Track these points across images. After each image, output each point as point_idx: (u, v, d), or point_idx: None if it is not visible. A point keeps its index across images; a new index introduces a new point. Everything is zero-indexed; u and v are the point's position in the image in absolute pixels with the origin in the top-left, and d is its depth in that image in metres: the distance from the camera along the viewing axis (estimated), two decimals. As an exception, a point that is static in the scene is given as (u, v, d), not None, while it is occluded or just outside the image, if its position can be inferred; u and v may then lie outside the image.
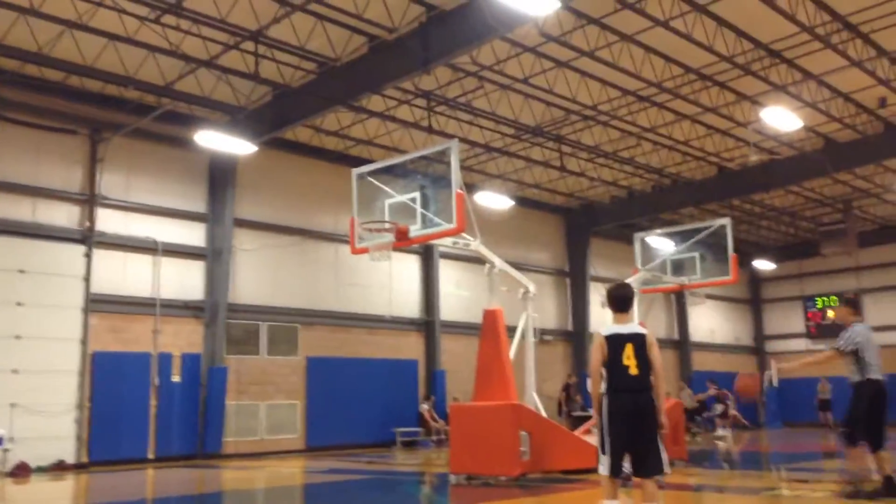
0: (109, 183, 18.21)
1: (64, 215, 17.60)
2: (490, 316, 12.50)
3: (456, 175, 11.58)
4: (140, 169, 18.83)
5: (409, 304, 23.96)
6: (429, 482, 13.62)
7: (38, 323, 16.59)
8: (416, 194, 12.42)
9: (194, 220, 19.70)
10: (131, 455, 17.47)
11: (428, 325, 24.18)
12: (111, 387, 17.49)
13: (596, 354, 6.07)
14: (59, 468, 16.24)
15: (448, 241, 12.51)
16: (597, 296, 19.20)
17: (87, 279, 17.52)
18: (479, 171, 23.71)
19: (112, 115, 17.95)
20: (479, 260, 13.31)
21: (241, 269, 20.23)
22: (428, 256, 24.30)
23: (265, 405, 20.23)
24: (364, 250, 12.69)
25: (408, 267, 23.99)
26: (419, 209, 12.23)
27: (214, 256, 19.65)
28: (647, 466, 5.93)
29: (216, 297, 19.41)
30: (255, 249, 20.36)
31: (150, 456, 17.89)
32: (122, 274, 18.24)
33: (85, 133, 18.02)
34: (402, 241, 12.31)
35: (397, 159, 13.61)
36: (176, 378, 18.68)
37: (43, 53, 15.27)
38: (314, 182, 21.60)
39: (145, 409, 18.02)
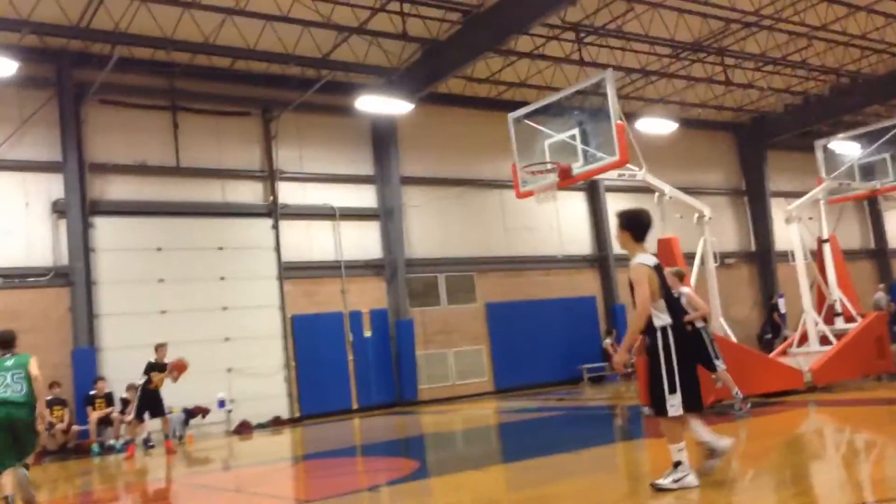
0: (285, 157, 19.36)
1: (250, 192, 18.95)
2: (665, 245, 12.26)
3: (614, 105, 11.37)
4: (310, 140, 19.84)
5: (579, 241, 23.87)
6: (621, 415, 13.72)
7: (241, 294, 18.08)
8: (575, 131, 12.30)
9: (365, 182, 20.58)
10: (337, 407, 18.81)
11: (601, 260, 24.01)
12: (311, 346, 18.84)
13: (647, 287, 5.58)
14: (276, 424, 17.79)
15: (613, 173, 12.33)
16: (780, 212, 18.24)
17: (277, 249, 18.86)
18: (637, 98, 23.00)
19: (278, 92, 18.96)
20: (647, 189, 13.04)
21: (413, 224, 20.95)
22: (594, 192, 24.01)
23: (452, 352, 21.02)
24: (529, 193, 12.79)
25: (575, 204, 23.85)
26: (580, 145, 12.12)
27: (387, 215, 20.48)
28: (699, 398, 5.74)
29: (394, 254, 20.29)
30: (423, 204, 20.99)
31: (354, 407, 19.19)
32: (307, 241, 19.46)
33: (257, 113, 19.21)
34: (566, 180, 12.28)
35: (552, 98, 13.49)
36: (367, 333, 19.82)
37: (209, 43, 16.37)
38: (472, 131, 21.84)
39: (344, 364, 19.29)
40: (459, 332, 21.28)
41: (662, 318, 5.62)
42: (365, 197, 20.55)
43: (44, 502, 9.59)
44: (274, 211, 18.97)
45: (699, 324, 10.18)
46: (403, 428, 15.30)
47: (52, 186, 16.44)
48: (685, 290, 10.50)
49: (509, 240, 22.43)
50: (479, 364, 21.37)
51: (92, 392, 15.39)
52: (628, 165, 11.95)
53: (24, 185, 16.29)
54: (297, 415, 18.37)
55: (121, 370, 15.93)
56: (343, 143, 20.38)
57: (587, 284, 23.67)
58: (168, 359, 14.24)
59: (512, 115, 13.19)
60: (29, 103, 16.29)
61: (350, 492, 7.85)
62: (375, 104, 18.13)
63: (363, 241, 20.28)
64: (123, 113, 17.46)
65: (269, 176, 19.11)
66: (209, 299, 17.62)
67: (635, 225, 5.79)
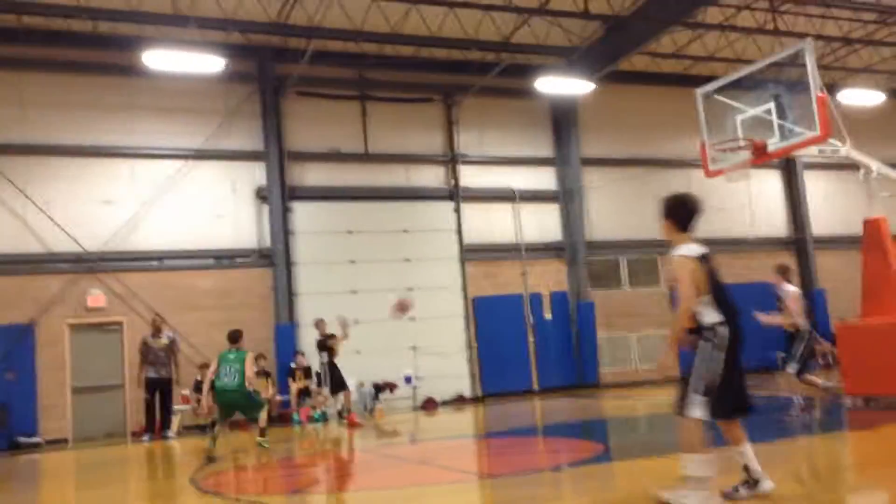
0: (466, 141, 19.72)
1: (432, 176, 19.49)
2: (872, 226, 11.35)
3: (814, 77, 10.64)
4: (490, 124, 20.07)
5: (774, 222, 22.57)
6: (821, 405, 12.89)
7: (425, 275, 18.67)
8: (770, 105, 11.63)
9: (544, 164, 20.55)
10: (518, 388, 19.02)
11: (799, 242, 22.57)
12: (492, 327, 19.15)
13: (689, 281, 5.00)
14: (459, 401, 18.28)
15: (813, 149, 11.56)
16: None
17: (459, 232, 19.29)
18: (839, 68, 21.31)
19: (460, 78, 19.30)
20: (851, 166, 12.10)
21: (593, 206, 20.68)
22: (790, 169, 22.59)
23: (635, 336, 20.61)
24: (719, 172, 12.26)
25: (769, 183, 22.57)
26: (775, 120, 11.45)
27: (567, 197, 20.35)
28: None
29: (574, 236, 20.15)
30: (604, 186, 20.65)
31: (535, 388, 19.32)
32: (488, 223, 19.75)
33: (439, 99, 19.68)
34: (761, 157, 11.65)
35: (744, 71, 12.78)
36: (548, 315, 19.85)
37: (395, 33, 16.94)
38: (656, 110, 21.17)
39: (524, 345, 19.45)
40: (643, 316, 20.80)
41: (711, 316, 5.09)
42: (544, 179, 20.52)
43: (250, 466, 10.45)
44: (455, 194, 19.40)
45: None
46: (585, 410, 15.22)
47: (256, 174, 17.73)
48: (788, 288, 10.02)
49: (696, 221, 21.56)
50: (663, 349, 20.76)
51: (292, 365, 16.51)
52: (830, 140, 11.16)
53: (231, 173, 17.68)
54: (479, 393, 18.76)
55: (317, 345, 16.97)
56: (523, 126, 20.44)
57: (781, 268, 22.30)
58: (329, 330, 15.28)
59: (700, 91, 12.67)
60: (234, 97, 17.64)
61: (533, 470, 7.95)
62: (555, 85, 18.02)
63: (543, 224, 20.29)
64: (318, 103, 18.49)
65: (451, 160, 19.55)
66: (396, 280, 18.31)
67: (680, 212, 5.28)
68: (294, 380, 16.35)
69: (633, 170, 20.83)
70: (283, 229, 17.56)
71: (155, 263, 16.69)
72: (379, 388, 17.15)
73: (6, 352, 15.04)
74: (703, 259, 5.11)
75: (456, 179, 19.47)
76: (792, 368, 10.19)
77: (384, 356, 17.63)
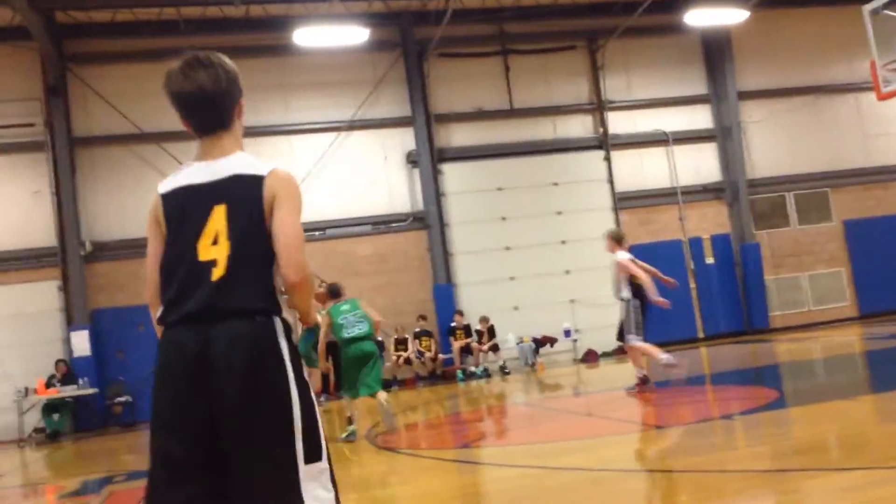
0: (612, 87, 19.18)
1: (580, 126, 19.14)
2: None
3: None
4: (637, 66, 19.38)
5: (960, 143, 20.54)
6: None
7: (578, 227, 18.45)
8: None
9: (697, 103, 19.66)
10: (683, 336, 18.50)
11: None
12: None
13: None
14: (621, 352, 18.06)
15: None
16: None
17: (610, 181, 18.89)
18: None
19: (603, 21, 18.70)
20: None
21: (754, 141, 19.61)
22: (978, 82, 20.37)
23: (806, 276, 19.52)
24: (893, 94, 11.29)
25: (953, 100, 20.49)
26: (959, 30, 10.36)
27: (724, 135, 19.40)
28: None
29: (734, 175, 19.23)
30: (764, 119, 19.50)
31: (700, 336, 18.77)
32: (640, 170, 19.20)
33: (583, 45, 19.21)
34: (942, 73, 10.60)
35: (919, -21, 11.64)
36: (710, 260, 19.15)
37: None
38: (819, 32, 19.66)
39: (686, 292, 18.84)
40: (814, 255, 19.65)
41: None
42: (699, 118, 19.65)
43: (420, 421, 10.86)
44: (605, 142, 18.97)
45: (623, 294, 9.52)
46: (756, 356, 14.66)
47: (405, 139, 18.10)
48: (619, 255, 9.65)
49: (869, 149, 20.01)
50: (839, 288, 19.58)
51: (453, 324, 16.91)
52: None
53: (382, 140, 18.14)
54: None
55: (475, 303, 17.30)
56: (672, 64, 19.61)
57: (972, 193, 20.34)
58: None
59: (868, 7, 11.68)
60: (380, 65, 18.02)
61: (703, 419, 7.78)
62: (707, 16, 17.15)
63: (700, 165, 19.48)
64: (460, 64, 18.55)
65: (598, 107, 19.10)
66: (548, 234, 18.24)
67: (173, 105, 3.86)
68: (455, 338, 16.75)
69: (796, 100, 19.53)
70: (434, 191, 17.87)
71: (318, 233, 17.48)
72: (539, 343, 17.26)
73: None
74: None
75: (605, 127, 19.03)
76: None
77: (542, 310, 17.68)
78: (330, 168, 17.70)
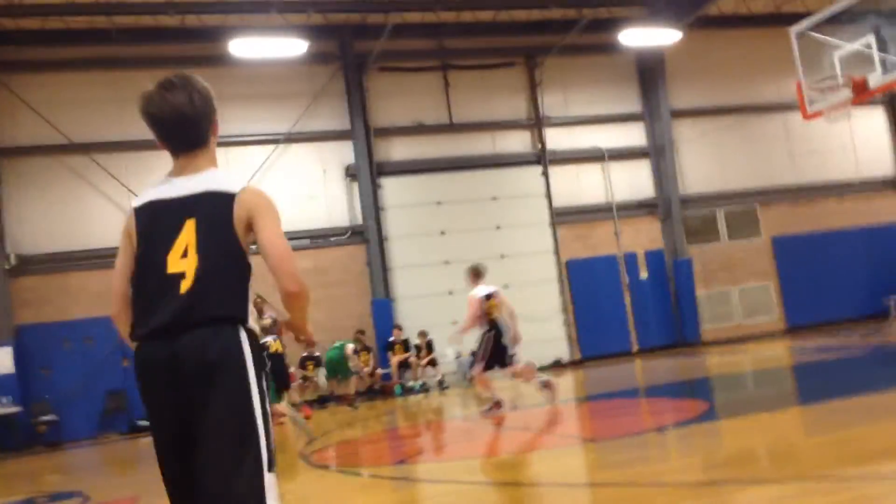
0: (550, 103, 19.42)
1: (518, 141, 19.33)
2: None
3: (919, 4, 9.97)
4: (574, 83, 19.69)
5: (879, 161, 21.43)
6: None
7: (516, 241, 18.60)
8: (871, 38, 10.99)
9: (632, 120, 20.06)
10: (617, 349, 18.83)
11: (908, 181, 21.36)
12: (587, 290, 18.97)
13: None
14: (557, 366, 18.24)
15: (920, 82, 10.86)
16: None
17: (548, 196, 19.11)
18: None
19: (541, 39, 18.94)
20: (965, 96, 11.32)
21: (686, 159, 20.10)
22: (896, 105, 21.32)
23: (736, 290, 20.04)
24: (818, 114, 11.72)
25: (872, 121, 21.38)
26: (876, 54, 10.82)
27: (657, 153, 19.84)
28: None
29: (667, 192, 19.66)
30: (696, 138, 20.02)
31: (634, 349, 19.08)
32: (577, 185, 19.47)
33: (521, 62, 19.42)
34: (862, 94, 11.07)
35: (840, 4, 12.11)
36: (644, 275, 19.50)
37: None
38: (748, 54, 20.29)
39: (621, 306, 19.20)
40: (743, 269, 20.19)
41: None
42: (633, 135, 20.05)
43: (357, 437, 10.75)
44: (543, 158, 19.19)
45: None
46: (687, 369, 14.96)
47: (344, 152, 17.98)
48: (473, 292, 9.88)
49: (796, 167, 20.72)
50: (768, 301, 20.17)
51: (391, 339, 16.82)
52: (939, 71, 10.47)
53: (320, 154, 17.99)
54: (578, 357, 18.67)
55: (414, 318, 17.25)
56: (608, 82, 19.98)
57: (890, 209, 21.21)
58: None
59: (794, 29, 12.11)
60: (318, 78, 17.88)
61: (638, 432, 7.88)
62: (641, 37, 17.51)
63: (634, 181, 19.86)
64: (400, 78, 18.55)
65: (536, 123, 19.32)
66: (487, 248, 18.29)
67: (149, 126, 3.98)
68: (394, 353, 16.66)
69: (727, 119, 20.10)
70: (373, 205, 17.79)
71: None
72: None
73: (120, 340, 15.83)
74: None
75: (542, 143, 19.25)
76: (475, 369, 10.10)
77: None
78: (267, 181, 17.40)
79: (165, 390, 2.45)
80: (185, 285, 2.48)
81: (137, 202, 2.70)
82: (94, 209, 16.25)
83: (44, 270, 15.70)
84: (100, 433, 15.13)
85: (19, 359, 15.02)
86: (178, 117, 2.65)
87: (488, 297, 9.90)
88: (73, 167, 16.17)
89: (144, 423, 15.10)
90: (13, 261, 15.47)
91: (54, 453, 13.64)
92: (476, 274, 10.13)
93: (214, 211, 2.58)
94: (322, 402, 15.81)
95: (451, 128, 18.77)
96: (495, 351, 9.81)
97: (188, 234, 2.54)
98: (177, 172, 2.70)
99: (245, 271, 2.64)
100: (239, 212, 2.58)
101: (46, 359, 15.24)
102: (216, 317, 2.48)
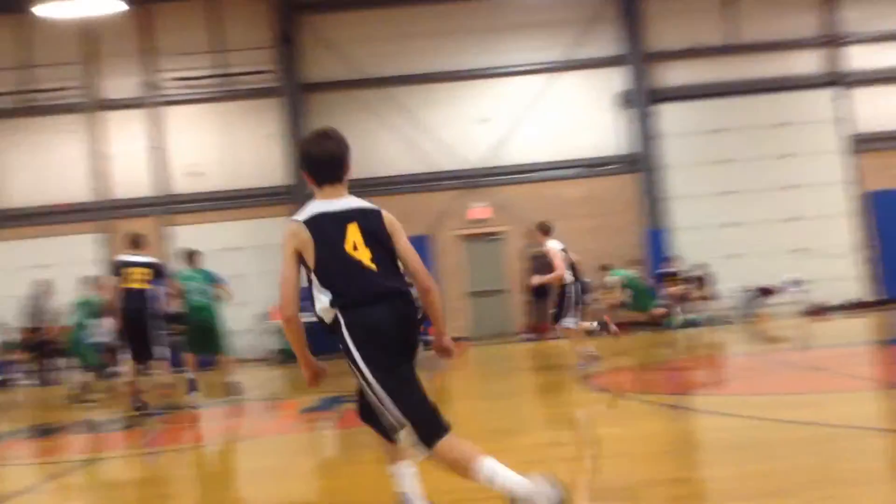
0: (850, 18, 17.50)
1: (807, 62, 17.69)
2: None
3: None
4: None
5: None
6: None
7: (806, 171, 17.19)
8: None
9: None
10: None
11: None
12: (893, 224, 17.01)
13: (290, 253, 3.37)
14: (851, 306, 16.74)
15: None
16: None
17: (844, 121, 17.33)
18: None
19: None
20: None
21: None
22: None
23: None
24: None
25: None
26: None
27: None
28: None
29: None
30: None
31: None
32: (883, 109, 17.46)
33: (818, -29, 17.55)
34: None
35: None
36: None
37: None
38: None
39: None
40: None
41: (320, 300, 3.31)
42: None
43: (631, 367, 10.74)
44: (839, 79, 17.34)
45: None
46: None
47: (616, 79, 17.57)
48: (550, 244, 9.40)
49: None
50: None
51: (665, 270, 16.43)
52: None
53: (592, 81, 17.76)
54: (879, 297, 16.96)
55: (690, 249, 16.69)
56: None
57: None
58: None
59: None
60: (590, 3, 17.54)
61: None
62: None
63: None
64: (678, -2, 17.63)
65: (831, 41, 17.44)
66: (770, 178, 17.16)
67: (306, 163, 3.51)
68: (668, 285, 16.28)
69: None
70: (647, 133, 17.30)
71: (527, 176, 17.55)
72: (760, 293, 16.40)
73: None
74: (313, 221, 3.37)
75: (840, 62, 17.38)
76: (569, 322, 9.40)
77: (763, 259, 16.76)
78: (538, 110, 17.60)
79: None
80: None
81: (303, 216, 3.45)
82: (383, 140, 17.49)
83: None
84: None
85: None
86: (329, 158, 3.45)
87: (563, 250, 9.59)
88: (367, 101, 17.44)
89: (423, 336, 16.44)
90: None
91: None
92: (545, 230, 9.89)
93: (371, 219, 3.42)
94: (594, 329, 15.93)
95: (732, 49, 17.58)
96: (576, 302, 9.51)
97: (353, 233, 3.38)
98: (327, 197, 3.44)
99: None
100: (387, 223, 3.39)
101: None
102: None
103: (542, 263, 15.99)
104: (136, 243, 9.03)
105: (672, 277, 16.25)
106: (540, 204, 17.24)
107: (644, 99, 17.33)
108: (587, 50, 17.62)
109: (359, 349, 3.24)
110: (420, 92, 17.40)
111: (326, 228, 3.30)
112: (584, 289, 10.06)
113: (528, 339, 15.87)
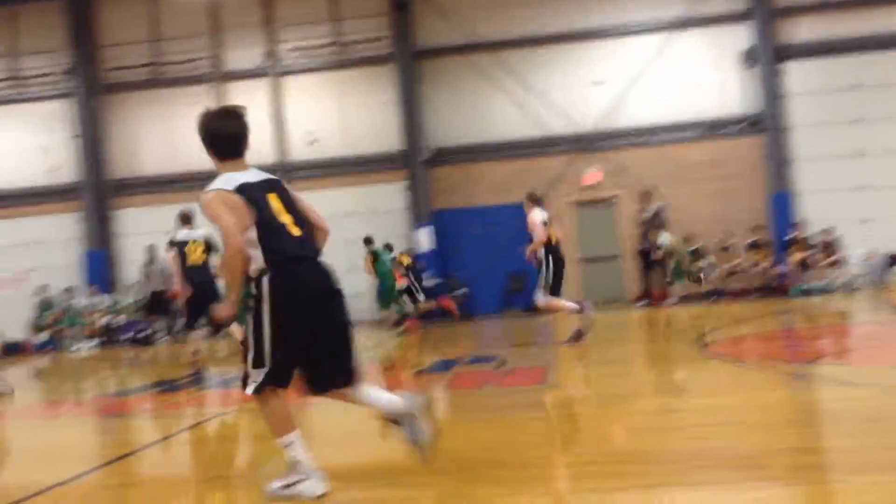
0: None
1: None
2: None
3: None
4: None
5: None
6: None
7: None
8: None
9: None
10: None
11: None
12: None
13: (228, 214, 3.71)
14: None
15: None
16: None
17: None
18: None
19: None
20: None
21: None
22: None
23: None
24: None
25: None
26: None
27: None
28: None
29: None
30: None
31: None
32: None
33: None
34: None
35: None
36: None
37: None
38: None
39: None
40: None
41: (256, 259, 3.72)
42: None
43: (752, 334, 10.40)
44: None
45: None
46: None
47: (741, 36, 16.80)
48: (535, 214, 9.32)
49: None
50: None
51: (791, 235, 15.74)
52: None
53: (713, 39, 17.03)
54: None
55: (818, 214, 15.92)
56: None
57: None
58: None
59: None
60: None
61: None
62: None
63: None
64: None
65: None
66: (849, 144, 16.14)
67: (212, 140, 3.96)
68: (793, 251, 15.61)
69: None
70: (773, 92, 16.49)
71: (644, 139, 17.11)
72: (894, 260, 15.50)
73: (520, 228, 17.03)
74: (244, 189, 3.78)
75: None
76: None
77: (896, 224, 15.81)
78: (657, 70, 17.07)
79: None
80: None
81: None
82: (495, 104, 17.44)
83: (455, 161, 17.43)
84: (501, 310, 16.66)
85: (437, 239, 17.06)
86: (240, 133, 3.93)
87: (545, 223, 9.35)
88: (480, 65, 17.40)
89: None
90: (431, 152, 17.41)
91: (467, 323, 15.32)
92: (534, 200, 9.63)
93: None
94: (712, 296, 15.55)
95: (868, 1, 16.41)
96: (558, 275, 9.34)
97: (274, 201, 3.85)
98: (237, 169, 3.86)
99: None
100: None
101: (456, 240, 17.11)
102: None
103: (652, 226, 15.71)
104: (188, 219, 9.28)
105: (800, 243, 15.55)
106: (658, 168, 16.83)
107: (770, 56, 16.50)
108: (709, 5, 16.91)
109: (275, 302, 3.64)
110: (532, 55, 17.19)
111: (254, 196, 3.70)
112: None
113: (643, 306, 15.61)
